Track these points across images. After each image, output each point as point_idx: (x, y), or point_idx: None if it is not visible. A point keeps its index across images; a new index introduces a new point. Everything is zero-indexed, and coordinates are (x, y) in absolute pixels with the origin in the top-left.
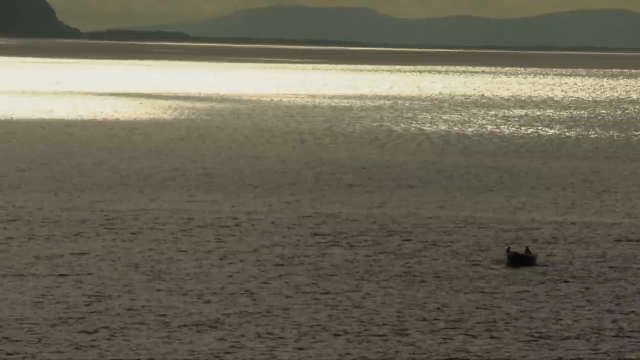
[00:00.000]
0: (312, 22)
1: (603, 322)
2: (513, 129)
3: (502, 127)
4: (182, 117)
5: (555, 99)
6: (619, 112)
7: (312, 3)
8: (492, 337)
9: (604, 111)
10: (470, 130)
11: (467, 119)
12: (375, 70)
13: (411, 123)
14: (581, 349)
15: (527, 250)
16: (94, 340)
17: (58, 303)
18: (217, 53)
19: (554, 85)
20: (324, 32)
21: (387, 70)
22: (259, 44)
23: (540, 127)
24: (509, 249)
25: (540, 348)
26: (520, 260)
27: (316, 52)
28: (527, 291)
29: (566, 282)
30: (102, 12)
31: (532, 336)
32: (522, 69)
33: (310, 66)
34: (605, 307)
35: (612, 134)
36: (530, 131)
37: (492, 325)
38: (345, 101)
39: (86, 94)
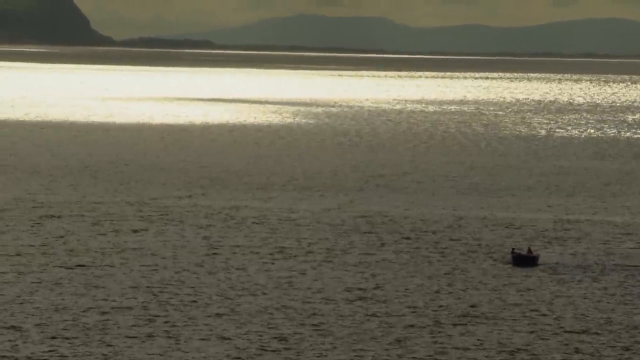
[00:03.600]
0: (332, 31)
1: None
2: (542, 131)
3: (531, 129)
4: (228, 120)
5: (576, 102)
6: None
7: (332, 13)
8: (488, 327)
9: (622, 114)
10: (501, 132)
11: (495, 121)
12: (399, 77)
13: (444, 127)
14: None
15: (529, 250)
16: (151, 327)
17: (118, 292)
18: (246, 60)
19: (568, 89)
20: (344, 40)
21: (409, 77)
22: (283, 51)
23: (567, 129)
24: (513, 249)
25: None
26: (523, 260)
27: (338, 59)
28: (529, 288)
29: (572, 279)
30: (133, 21)
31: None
32: (535, 74)
33: (338, 72)
34: (607, 300)
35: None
36: (557, 133)
37: (493, 318)
38: (376, 105)
39: (137, 99)
